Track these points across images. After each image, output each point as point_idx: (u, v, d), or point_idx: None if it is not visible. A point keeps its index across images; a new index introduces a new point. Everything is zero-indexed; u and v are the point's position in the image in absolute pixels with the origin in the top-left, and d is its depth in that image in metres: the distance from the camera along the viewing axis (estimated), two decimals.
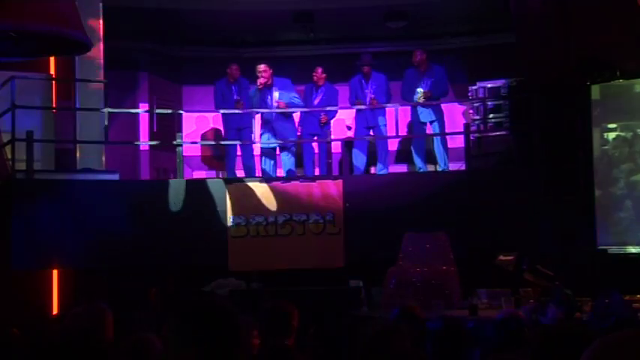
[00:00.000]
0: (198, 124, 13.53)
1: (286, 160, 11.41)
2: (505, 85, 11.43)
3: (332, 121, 11.99)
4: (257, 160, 11.80)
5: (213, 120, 13.32)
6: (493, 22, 12.52)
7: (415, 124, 11.80)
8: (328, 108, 11.80)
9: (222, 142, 12.26)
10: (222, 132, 12.36)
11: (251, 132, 11.77)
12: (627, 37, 9.37)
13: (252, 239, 10.28)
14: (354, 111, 11.94)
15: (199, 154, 13.32)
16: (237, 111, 11.52)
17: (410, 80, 11.59)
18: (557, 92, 10.33)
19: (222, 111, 11.81)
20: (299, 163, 11.91)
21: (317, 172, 11.67)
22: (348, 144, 11.96)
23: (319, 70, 11.85)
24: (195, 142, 12.80)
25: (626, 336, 1.90)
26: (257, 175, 11.31)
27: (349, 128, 12.45)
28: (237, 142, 11.68)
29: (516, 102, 11.28)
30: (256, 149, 11.87)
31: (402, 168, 12.56)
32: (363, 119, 11.72)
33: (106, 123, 10.68)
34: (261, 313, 4.79)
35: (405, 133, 12.21)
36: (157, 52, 13.61)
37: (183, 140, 11.71)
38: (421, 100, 11.38)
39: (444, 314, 5.29)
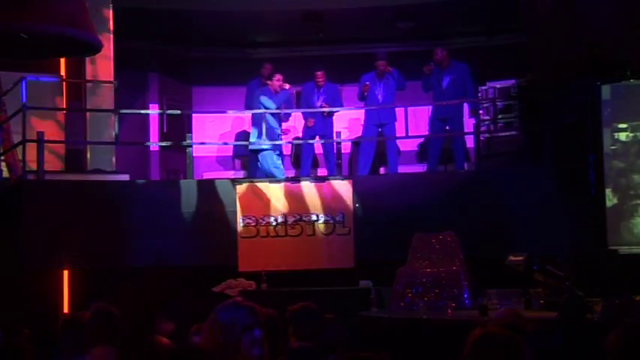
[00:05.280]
0: (234, 124, 13.56)
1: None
2: (515, 85, 11.41)
3: (334, 117, 12.00)
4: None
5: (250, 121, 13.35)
6: (503, 22, 12.51)
7: (433, 122, 11.78)
8: (336, 108, 11.85)
9: (229, 143, 12.27)
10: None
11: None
12: (638, 36, 9.34)
13: (262, 240, 10.29)
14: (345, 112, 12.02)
15: (214, 154, 13.39)
16: (246, 112, 11.52)
17: (430, 77, 11.58)
18: (567, 92, 10.30)
19: (230, 112, 11.85)
20: (314, 164, 11.99)
21: (320, 172, 11.67)
22: (357, 143, 11.98)
23: (319, 73, 11.84)
24: (204, 143, 12.81)
25: None
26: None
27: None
28: (243, 143, 11.70)
29: (526, 102, 11.26)
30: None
31: (421, 168, 12.53)
32: (375, 117, 11.72)
33: (116, 124, 10.71)
34: (289, 315, 4.77)
35: (423, 132, 12.21)
36: (167, 53, 13.65)
37: (195, 140, 11.74)
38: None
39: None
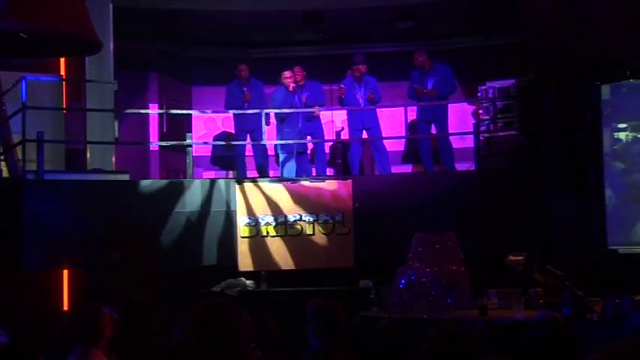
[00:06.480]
0: (208, 125, 13.57)
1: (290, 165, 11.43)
2: (514, 84, 11.41)
3: (320, 114, 11.93)
4: (270, 160, 11.88)
5: (222, 122, 13.35)
6: (502, 21, 12.50)
7: (419, 124, 11.77)
8: (325, 110, 11.86)
9: (233, 143, 12.27)
10: (234, 133, 12.38)
11: (261, 133, 11.44)
12: (637, 36, 9.34)
13: (262, 239, 10.29)
14: (344, 112, 11.96)
15: (209, 154, 13.37)
16: (249, 111, 11.51)
17: (415, 81, 11.57)
18: (567, 92, 10.30)
19: (231, 111, 11.83)
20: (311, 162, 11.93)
21: (315, 172, 11.66)
22: (346, 145, 11.97)
23: (297, 69, 11.69)
24: (206, 143, 12.83)
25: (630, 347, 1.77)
26: (270, 175, 11.34)
27: (342, 129, 12.38)
28: (248, 143, 11.70)
29: (526, 102, 11.26)
30: (269, 150, 11.93)
31: (407, 168, 12.54)
32: (358, 121, 11.64)
33: (116, 123, 10.70)
34: (308, 312, 4.75)
35: (407, 134, 12.18)
36: (166, 53, 13.65)
37: (194, 141, 11.74)
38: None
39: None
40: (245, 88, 11.78)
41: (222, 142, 13.01)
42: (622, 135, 9.96)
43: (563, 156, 10.10)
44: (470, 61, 12.56)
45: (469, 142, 12.00)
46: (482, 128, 11.59)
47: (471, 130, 11.83)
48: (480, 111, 11.77)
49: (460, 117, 12.32)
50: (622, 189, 9.87)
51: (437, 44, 12.91)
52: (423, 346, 2.98)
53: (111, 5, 11.41)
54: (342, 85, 11.53)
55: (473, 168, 11.51)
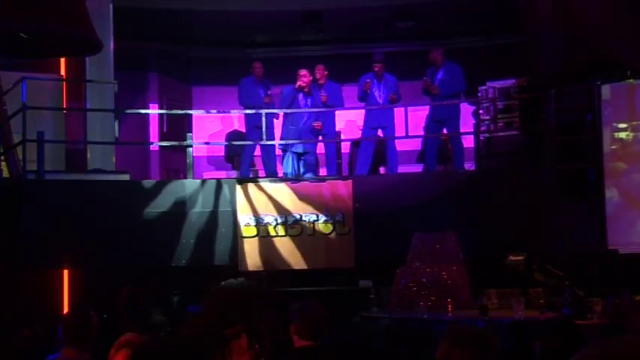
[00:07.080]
0: (224, 122, 13.58)
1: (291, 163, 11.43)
2: (515, 85, 11.41)
3: (336, 117, 11.94)
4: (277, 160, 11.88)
5: (238, 118, 13.34)
6: (502, 21, 12.51)
7: (430, 123, 11.79)
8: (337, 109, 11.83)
9: (231, 142, 12.28)
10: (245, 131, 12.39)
11: (271, 130, 11.42)
12: (637, 36, 9.35)
13: (263, 239, 10.29)
14: (362, 110, 11.95)
15: (213, 154, 13.39)
16: (247, 111, 11.51)
17: (428, 77, 11.60)
18: (567, 92, 10.30)
19: (246, 111, 11.81)
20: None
21: (320, 172, 11.64)
22: (356, 144, 11.98)
23: (320, 67, 11.74)
24: (205, 143, 12.83)
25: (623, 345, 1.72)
26: (279, 175, 11.33)
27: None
28: (249, 143, 11.68)
29: (526, 102, 11.26)
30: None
31: (418, 168, 12.52)
32: (374, 119, 11.69)
33: (116, 124, 10.70)
34: (291, 314, 4.76)
35: (420, 133, 12.20)
36: (166, 53, 13.66)
37: (196, 140, 11.75)
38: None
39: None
40: (269, 92, 11.81)
41: (222, 143, 13.03)
42: (622, 135, 9.96)
43: (564, 156, 10.10)
44: (470, 61, 12.55)
45: (469, 142, 12.00)
46: (483, 128, 11.59)
47: (471, 130, 11.83)
48: (480, 111, 11.77)
49: (461, 117, 12.30)
50: (622, 189, 9.87)
51: (437, 44, 12.89)
52: (442, 339, 3.18)
53: (111, 5, 11.41)
54: (367, 80, 11.58)
55: (473, 168, 11.51)
